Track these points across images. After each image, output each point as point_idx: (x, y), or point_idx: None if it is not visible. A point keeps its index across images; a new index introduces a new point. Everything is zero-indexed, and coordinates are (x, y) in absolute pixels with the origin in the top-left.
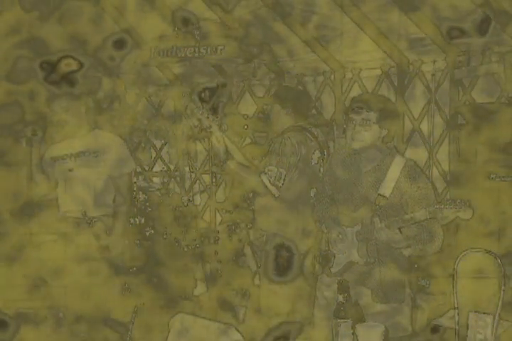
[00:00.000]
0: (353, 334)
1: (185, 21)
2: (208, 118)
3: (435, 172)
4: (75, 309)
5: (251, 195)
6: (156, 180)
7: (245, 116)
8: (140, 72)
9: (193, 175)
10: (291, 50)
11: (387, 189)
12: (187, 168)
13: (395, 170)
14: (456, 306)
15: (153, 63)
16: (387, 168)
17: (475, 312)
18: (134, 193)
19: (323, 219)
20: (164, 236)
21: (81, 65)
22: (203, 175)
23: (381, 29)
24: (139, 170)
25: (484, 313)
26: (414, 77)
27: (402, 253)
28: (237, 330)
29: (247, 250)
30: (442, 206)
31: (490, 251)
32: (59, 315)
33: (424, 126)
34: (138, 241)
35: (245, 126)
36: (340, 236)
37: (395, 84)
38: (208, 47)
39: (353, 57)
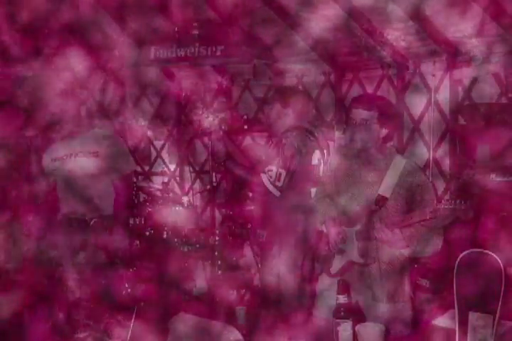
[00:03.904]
0: (353, 334)
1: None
2: (207, 118)
3: (435, 172)
4: None
5: (251, 194)
6: (156, 180)
7: (245, 116)
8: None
9: (193, 175)
10: (292, 50)
11: (387, 189)
12: (187, 168)
13: (395, 170)
14: (456, 306)
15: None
16: (387, 168)
17: (475, 312)
18: (134, 193)
19: (323, 219)
20: (164, 237)
21: None
22: (202, 175)
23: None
24: (139, 170)
25: (484, 313)
26: (414, 77)
27: (402, 253)
28: (237, 330)
29: (247, 250)
30: (442, 206)
31: (490, 251)
32: None
33: (425, 126)
34: (138, 241)
35: (245, 126)
36: (340, 236)
37: (395, 84)
38: (208, 48)
39: (353, 57)
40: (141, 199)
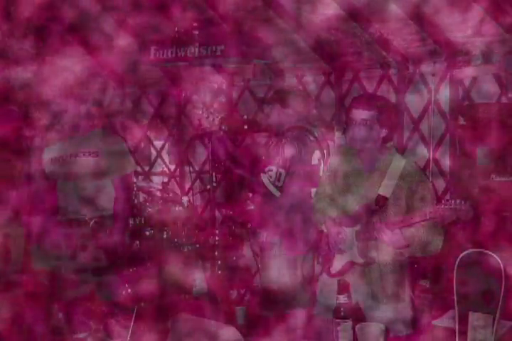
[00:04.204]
0: (353, 334)
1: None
2: (207, 118)
3: (435, 172)
4: None
5: (251, 194)
6: (156, 180)
7: (245, 116)
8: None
9: (193, 175)
10: (292, 50)
11: (387, 189)
12: (187, 168)
13: (395, 170)
14: (456, 306)
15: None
16: (387, 168)
17: (475, 312)
18: (134, 193)
19: (323, 219)
20: (164, 236)
21: None
22: (202, 175)
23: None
24: (139, 170)
25: (484, 313)
26: (414, 77)
27: (402, 253)
28: (237, 330)
29: (247, 250)
30: (442, 206)
31: (490, 251)
32: None
33: (425, 126)
34: (138, 241)
35: (245, 126)
36: (340, 236)
37: (395, 84)
38: (208, 48)
39: (353, 57)
40: (141, 199)
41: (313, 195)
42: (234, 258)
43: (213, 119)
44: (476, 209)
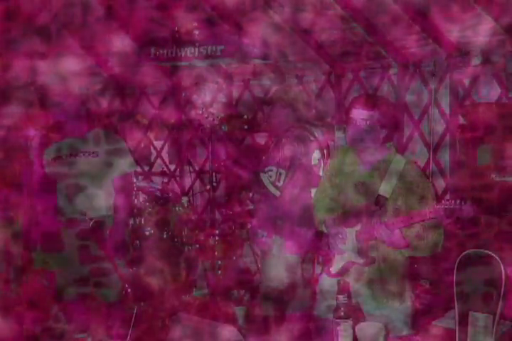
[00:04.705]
0: (353, 334)
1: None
2: (207, 118)
3: (435, 172)
4: None
5: (251, 194)
6: (156, 180)
7: (245, 116)
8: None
9: (193, 175)
10: (292, 50)
11: (387, 189)
12: (187, 168)
13: (395, 170)
14: (456, 306)
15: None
16: (386, 168)
17: (475, 312)
18: (134, 193)
19: (323, 219)
20: (164, 236)
21: None
22: (202, 175)
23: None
24: (139, 170)
25: (484, 313)
26: (414, 77)
27: (402, 253)
28: (237, 330)
29: (247, 250)
30: (442, 206)
31: (490, 251)
32: None
33: (425, 126)
34: (138, 241)
35: (245, 126)
36: (340, 236)
37: (395, 84)
38: (208, 48)
39: (353, 57)
40: (141, 200)
41: (313, 194)
42: (234, 258)
43: (213, 119)
44: (476, 209)
